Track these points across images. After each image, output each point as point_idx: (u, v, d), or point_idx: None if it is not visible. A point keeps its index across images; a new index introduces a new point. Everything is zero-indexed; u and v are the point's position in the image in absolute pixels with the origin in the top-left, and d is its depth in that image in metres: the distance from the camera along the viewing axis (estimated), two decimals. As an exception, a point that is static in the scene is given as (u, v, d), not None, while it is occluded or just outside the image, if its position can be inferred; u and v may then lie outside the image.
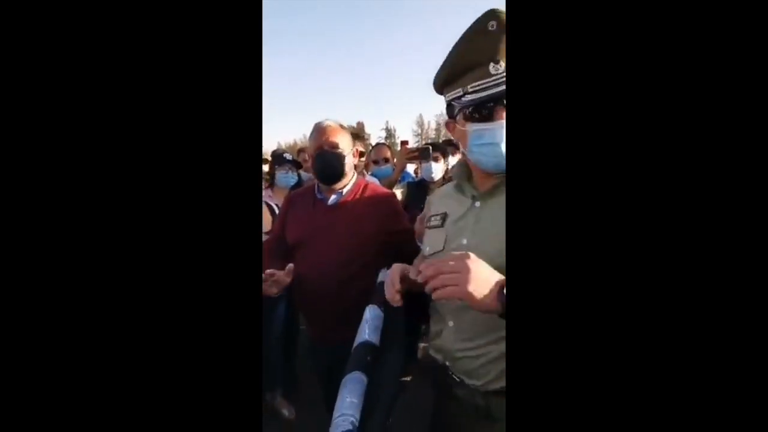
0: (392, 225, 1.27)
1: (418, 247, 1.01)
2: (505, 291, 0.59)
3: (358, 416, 0.56)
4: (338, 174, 1.29)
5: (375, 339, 0.80)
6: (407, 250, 1.12)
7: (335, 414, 0.57)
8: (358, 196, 1.32)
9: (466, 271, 0.60)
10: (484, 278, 0.61)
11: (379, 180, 2.38)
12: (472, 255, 0.62)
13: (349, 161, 1.31)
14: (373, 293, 0.97)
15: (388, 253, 1.20)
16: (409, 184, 2.41)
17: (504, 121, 0.73)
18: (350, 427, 0.54)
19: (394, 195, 1.37)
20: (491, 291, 0.60)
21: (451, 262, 0.62)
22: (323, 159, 1.28)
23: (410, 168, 3.01)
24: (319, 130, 1.31)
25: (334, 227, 1.28)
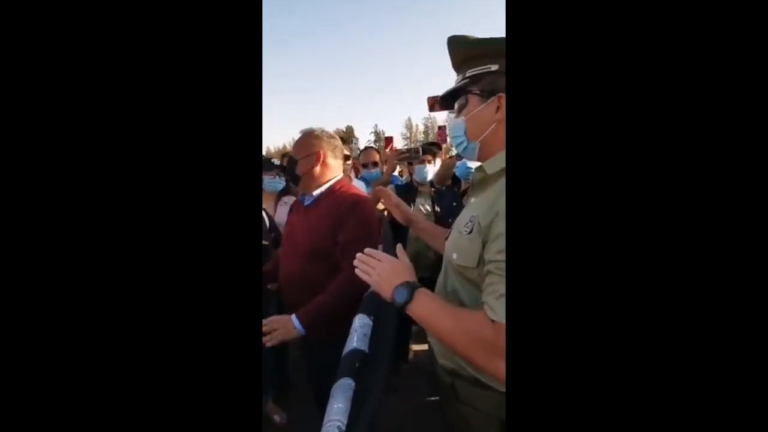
0: (341, 224, 1.28)
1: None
2: (400, 289, 0.75)
3: (345, 420, 0.58)
4: (293, 177, 1.44)
5: (364, 346, 0.82)
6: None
7: (325, 420, 0.59)
8: (329, 196, 1.37)
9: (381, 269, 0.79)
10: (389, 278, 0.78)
11: (368, 183, 2.40)
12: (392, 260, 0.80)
13: (304, 165, 1.38)
14: (362, 303, 1.00)
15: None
16: (397, 187, 2.43)
17: None
18: (337, 431, 0.56)
19: (354, 197, 1.33)
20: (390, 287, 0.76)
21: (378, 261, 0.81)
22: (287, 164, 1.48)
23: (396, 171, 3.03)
24: None
25: (301, 226, 1.38)
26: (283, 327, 1.19)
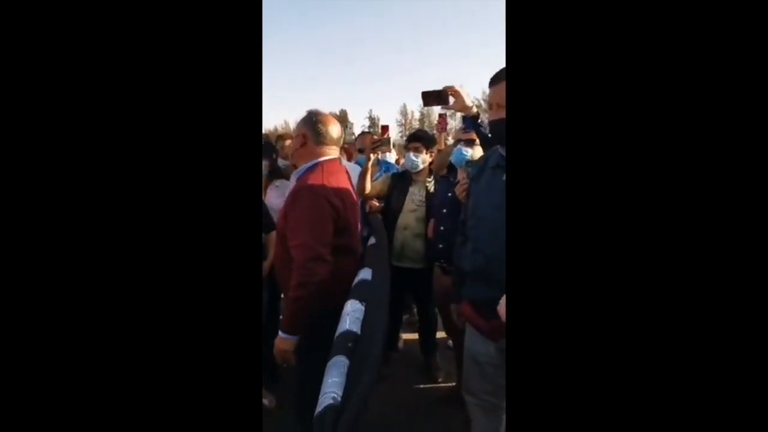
0: (289, 210, 1.35)
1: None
2: None
3: (340, 392, 0.62)
4: None
5: (356, 328, 0.86)
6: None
7: (320, 394, 0.63)
8: (299, 180, 1.42)
9: None
10: None
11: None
12: None
13: (293, 146, 1.46)
14: (353, 289, 1.04)
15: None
16: (393, 175, 2.43)
17: None
18: (332, 401, 0.60)
19: (302, 185, 1.36)
20: None
21: None
22: None
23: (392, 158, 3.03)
24: None
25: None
26: (277, 346, 1.26)
